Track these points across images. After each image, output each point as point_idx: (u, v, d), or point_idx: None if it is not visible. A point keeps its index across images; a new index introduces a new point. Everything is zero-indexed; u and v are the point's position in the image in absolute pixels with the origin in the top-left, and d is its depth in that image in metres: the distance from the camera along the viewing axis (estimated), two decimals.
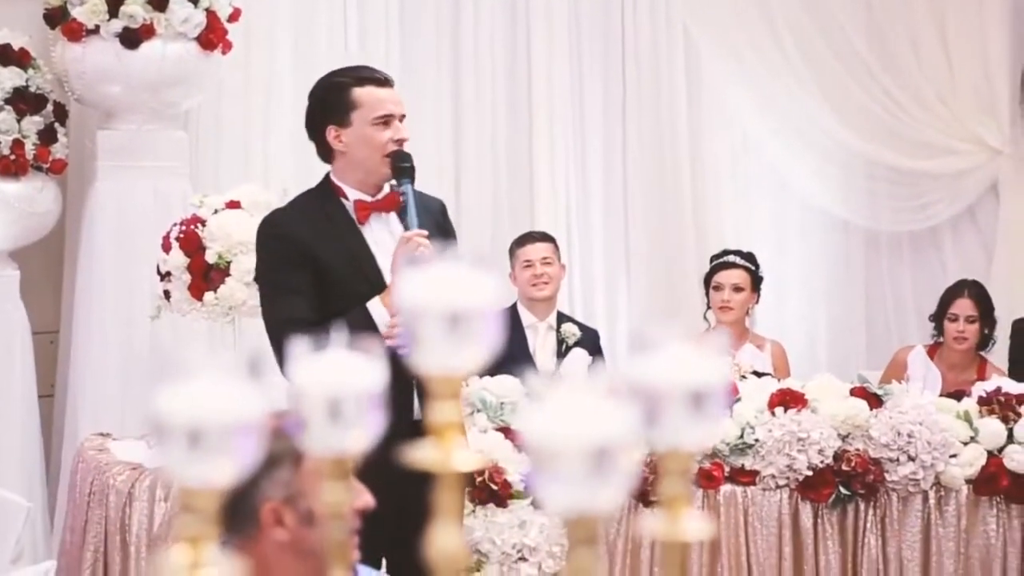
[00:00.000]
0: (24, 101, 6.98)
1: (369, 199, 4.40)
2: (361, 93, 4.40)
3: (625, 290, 8.26)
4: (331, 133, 4.41)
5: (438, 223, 4.54)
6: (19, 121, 6.96)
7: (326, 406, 1.51)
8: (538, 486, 1.29)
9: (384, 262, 4.32)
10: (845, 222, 8.44)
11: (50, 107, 7.09)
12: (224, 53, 7.25)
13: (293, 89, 7.43)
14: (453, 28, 8.13)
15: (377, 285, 4.27)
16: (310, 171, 4.85)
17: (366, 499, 2.85)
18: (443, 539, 1.42)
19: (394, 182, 4.42)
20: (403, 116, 4.43)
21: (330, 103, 4.43)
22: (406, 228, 4.34)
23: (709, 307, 7.02)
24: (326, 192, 4.46)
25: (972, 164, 8.24)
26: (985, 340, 6.90)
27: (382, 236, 4.40)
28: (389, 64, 7.98)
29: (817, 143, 8.31)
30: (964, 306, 6.86)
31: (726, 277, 6.94)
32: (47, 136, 7.03)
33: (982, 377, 6.63)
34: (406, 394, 4.01)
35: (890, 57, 8.31)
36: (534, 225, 7.86)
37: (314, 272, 4.25)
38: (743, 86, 8.30)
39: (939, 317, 6.94)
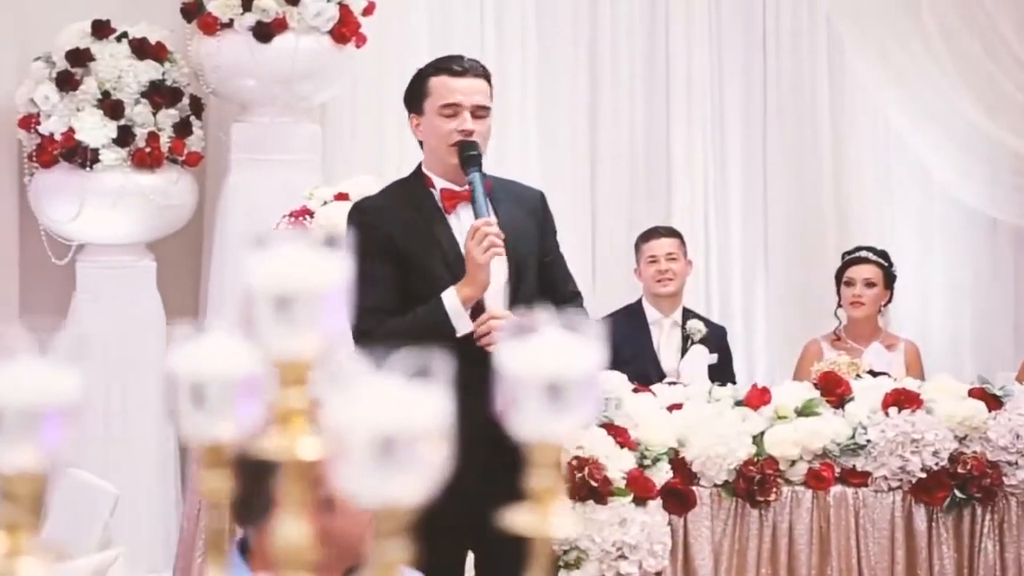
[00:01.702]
0: (160, 94, 7.09)
1: (456, 188, 4.36)
2: (434, 82, 4.38)
3: (763, 285, 8.13)
4: (412, 121, 4.44)
5: (532, 213, 4.48)
6: (155, 114, 7.07)
7: (191, 392, 1.48)
8: (340, 475, 1.24)
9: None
10: (992, 220, 8.18)
11: (186, 100, 7.20)
12: (358, 47, 7.29)
13: None
14: (591, 16, 8.06)
15: (460, 275, 4.24)
16: None
17: None
18: (287, 531, 1.38)
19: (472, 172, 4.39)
20: (480, 108, 4.35)
21: (411, 92, 4.45)
22: (476, 218, 4.28)
23: (840, 304, 6.88)
24: (417, 181, 4.45)
25: None
26: None
27: (469, 226, 4.36)
28: (525, 55, 7.97)
29: (963, 138, 8.06)
30: None
31: (857, 272, 6.80)
32: (182, 129, 7.14)
33: None
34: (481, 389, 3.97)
35: None
36: (670, 218, 7.78)
37: (396, 260, 4.25)
38: (887, 79, 8.08)
39: None
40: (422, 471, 1.22)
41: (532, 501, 1.46)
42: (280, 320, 1.35)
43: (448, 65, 4.42)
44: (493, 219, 4.21)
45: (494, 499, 2.23)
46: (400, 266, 4.24)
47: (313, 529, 2.76)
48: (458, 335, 4.14)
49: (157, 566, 6.83)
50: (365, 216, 4.38)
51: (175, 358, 1.50)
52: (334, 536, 2.74)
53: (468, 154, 4.28)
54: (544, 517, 1.45)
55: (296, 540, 1.38)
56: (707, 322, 6.86)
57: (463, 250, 4.25)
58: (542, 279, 4.42)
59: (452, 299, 4.18)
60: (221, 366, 1.48)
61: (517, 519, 1.46)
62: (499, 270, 4.28)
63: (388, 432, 1.20)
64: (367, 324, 4.14)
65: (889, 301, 6.89)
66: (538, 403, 1.43)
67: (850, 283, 6.81)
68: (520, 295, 4.26)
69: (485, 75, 4.42)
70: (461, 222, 4.35)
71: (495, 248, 4.14)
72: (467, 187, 4.36)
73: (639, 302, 6.81)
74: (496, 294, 4.26)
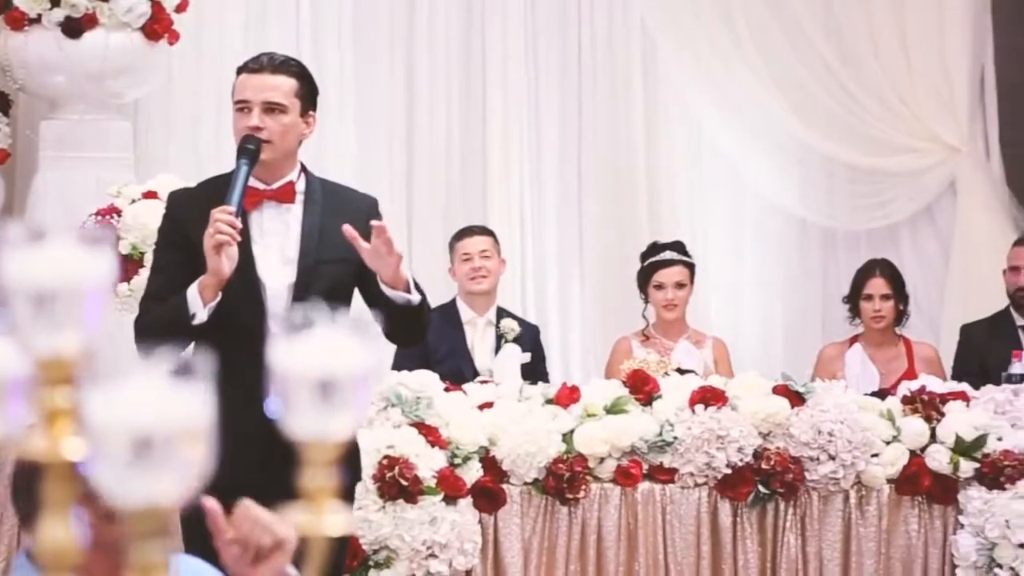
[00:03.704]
0: None
1: (260, 187, 4.31)
2: (236, 80, 4.37)
3: (578, 284, 8.20)
4: None
5: (353, 222, 4.38)
6: None
7: None
8: (96, 474, 1.24)
9: (260, 251, 4.25)
10: (802, 220, 8.35)
11: None
12: (171, 44, 7.21)
13: None
14: (408, 18, 8.07)
15: (245, 273, 4.19)
16: None
17: None
18: (51, 533, 1.37)
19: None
20: (271, 104, 4.26)
21: None
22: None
23: (647, 304, 6.93)
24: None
25: (930, 162, 8.14)
26: (900, 316, 6.93)
27: (272, 225, 4.31)
28: (342, 57, 7.96)
29: (775, 140, 8.22)
30: (877, 285, 6.90)
31: (668, 276, 6.84)
32: None
33: (911, 355, 6.78)
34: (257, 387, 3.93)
35: (849, 54, 8.22)
36: (487, 219, 7.80)
37: (187, 251, 4.20)
38: (700, 82, 8.21)
39: (854, 300, 6.96)
40: (180, 471, 1.22)
41: (306, 500, 1.47)
42: (41, 317, 1.34)
43: (248, 63, 4.39)
44: (232, 209, 4.12)
45: (271, 496, 2.23)
46: (191, 257, 4.18)
47: (94, 539, 2.72)
48: (194, 323, 4.09)
49: None
50: (168, 206, 4.51)
51: None
52: (116, 545, 2.69)
53: (242, 146, 4.24)
54: (318, 516, 1.46)
55: (60, 543, 1.37)
56: (521, 321, 6.90)
57: (253, 248, 4.23)
58: (363, 285, 4.35)
59: (193, 287, 4.14)
60: None
61: (291, 518, 1.47)
62: (286, 273, 4.26)
63: (145, 431, 1.20)
64: (142, 308, 4.34)
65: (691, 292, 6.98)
66: (310, 401, 1.44)
67: (661, 287, 6.84)
68: (306, 300, 4.15)
69: (289, 72, 4.32)
70: (263, 221, 4.31)
71: (221, 236, 4.05)
72: (275, 187, 4.33)
73: (453, 301, 6.84)
74: (277, 297, 4.23)
